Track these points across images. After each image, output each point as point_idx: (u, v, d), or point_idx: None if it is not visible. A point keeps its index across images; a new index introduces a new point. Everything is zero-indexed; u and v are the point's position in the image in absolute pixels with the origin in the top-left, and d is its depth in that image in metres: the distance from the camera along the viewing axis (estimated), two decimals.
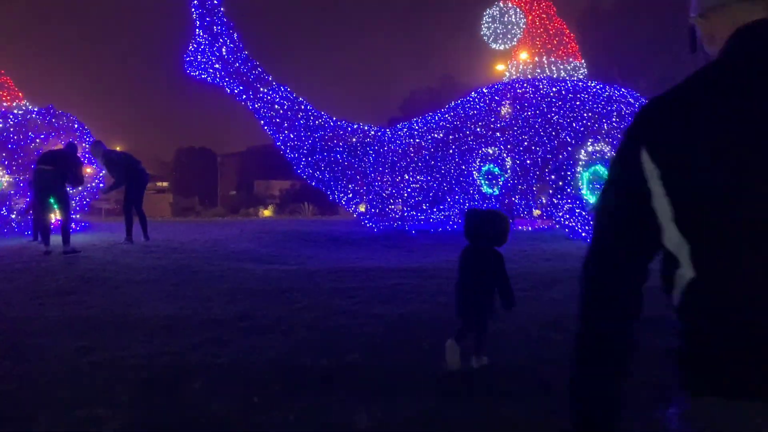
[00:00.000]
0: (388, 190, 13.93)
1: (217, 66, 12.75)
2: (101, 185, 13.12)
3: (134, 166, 11.09)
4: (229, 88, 13.12)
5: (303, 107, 13.46)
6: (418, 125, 14.78)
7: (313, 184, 13.74)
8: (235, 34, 12.70)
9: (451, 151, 14.53)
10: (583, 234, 12.23)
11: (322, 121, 13.61)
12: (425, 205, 14.88)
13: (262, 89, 13.15)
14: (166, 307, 5.94)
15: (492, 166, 16.02)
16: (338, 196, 13.83)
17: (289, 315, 5.60)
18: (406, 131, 14.56)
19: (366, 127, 14.27)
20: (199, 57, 12.82)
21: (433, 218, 15.23)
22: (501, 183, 16.01)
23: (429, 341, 4.55)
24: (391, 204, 14.19)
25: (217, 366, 4.19)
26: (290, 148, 13.35)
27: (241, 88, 13.09)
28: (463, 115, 15.11)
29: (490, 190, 15.68)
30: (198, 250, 10.29)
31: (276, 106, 13.14)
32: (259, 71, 13.15)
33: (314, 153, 13.30)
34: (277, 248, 11.08)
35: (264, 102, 13.15)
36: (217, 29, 12.59)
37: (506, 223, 4.34)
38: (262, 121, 13.32)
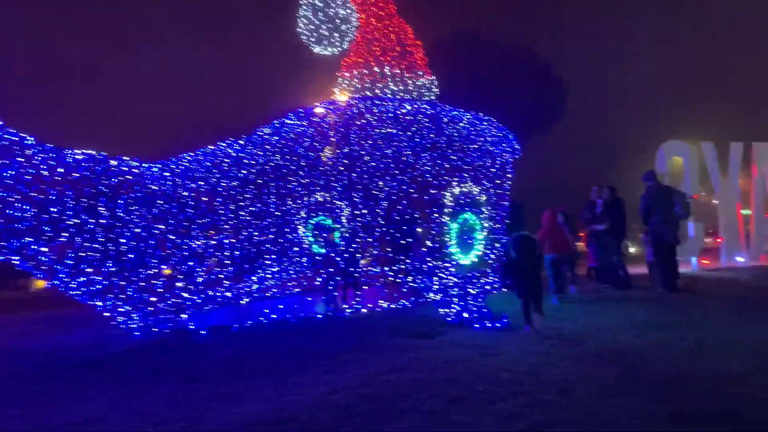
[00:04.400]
0: (155, 260, 8.25)
1: None
2: None
3: None
4: None
5: None
6: (210, 157, 9.49)
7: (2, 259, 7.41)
8: None
9: (265, 196, 9.46)
10: (475, 324, 7.72)
11: (27, 150, 7.50)
12: (226, 281, 9.52)
13: None
14: None
15: (323, 217, 11.29)
16: (60, 279, 7.69)
17: None
18: (191, 165, 9.14)
19: (115, 162, 8.39)
20: None
21: (241, 298, 9.90)
22: (336, 239, 11.37)
23: None
24: (165, 286, 8.53)
25: None
26: None
27: None
28: (282, 145, 10.26)
29: (322, 250, 10.94)
30: None
31: None
32: None
33: (6, 208, 7.13)
34: None
35: None
36: None
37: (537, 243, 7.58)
38: None
